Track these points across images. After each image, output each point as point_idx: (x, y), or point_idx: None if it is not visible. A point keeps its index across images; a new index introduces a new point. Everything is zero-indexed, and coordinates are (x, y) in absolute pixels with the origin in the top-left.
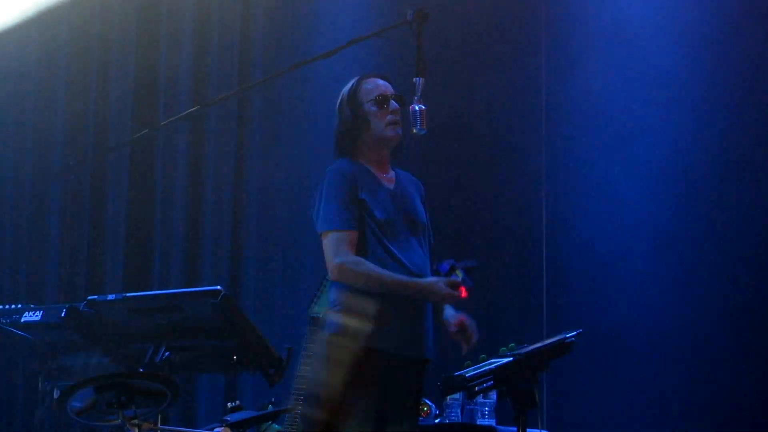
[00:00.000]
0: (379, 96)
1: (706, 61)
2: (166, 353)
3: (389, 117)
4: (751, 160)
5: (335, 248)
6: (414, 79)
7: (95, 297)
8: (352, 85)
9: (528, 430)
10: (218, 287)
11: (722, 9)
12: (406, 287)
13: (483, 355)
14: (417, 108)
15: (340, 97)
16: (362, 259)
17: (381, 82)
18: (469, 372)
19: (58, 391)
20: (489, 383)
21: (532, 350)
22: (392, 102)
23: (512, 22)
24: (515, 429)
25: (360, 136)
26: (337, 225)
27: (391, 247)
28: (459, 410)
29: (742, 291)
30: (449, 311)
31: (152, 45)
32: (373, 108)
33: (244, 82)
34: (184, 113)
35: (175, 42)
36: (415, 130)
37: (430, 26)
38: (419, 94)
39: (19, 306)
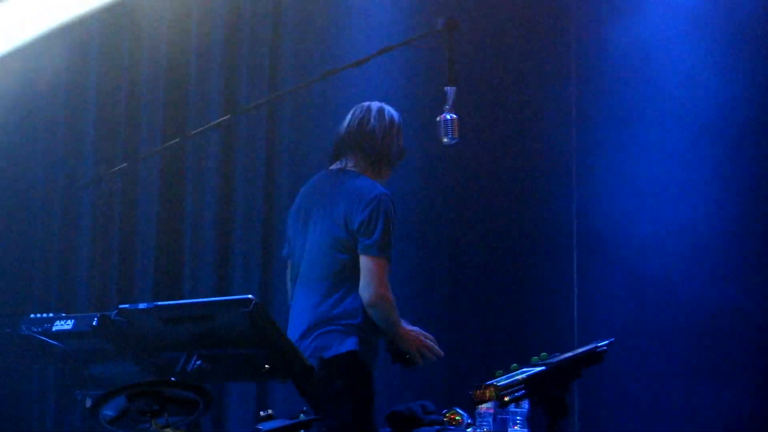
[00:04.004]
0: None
1: (742, 60)
2: (198, 362)
3: None
4: None
5: (384, 276)
6: (445, 88)
7: (126, 306)
8: (400, 120)
9: None
10: (249, 296)
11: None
12: (402, 331)
13: (515, 365)
14: (449, 117)
15: (390, 119)
16: None
17: None
18: (501, 381)
19: (90, 400)
20: (521, 392)
21: (564, 359)
22: None
23: (542, 29)
24: None
25: (385, 167)
26: (390, 255)
27: None
28: (491, 419)
29: None
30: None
31: (183, 53)
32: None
33: (274, 90)
34: (214, 122)
35: (205, 50)
36: (446, 140)
37: (461, 35)
38: (450, 103)
39: (51, 315)
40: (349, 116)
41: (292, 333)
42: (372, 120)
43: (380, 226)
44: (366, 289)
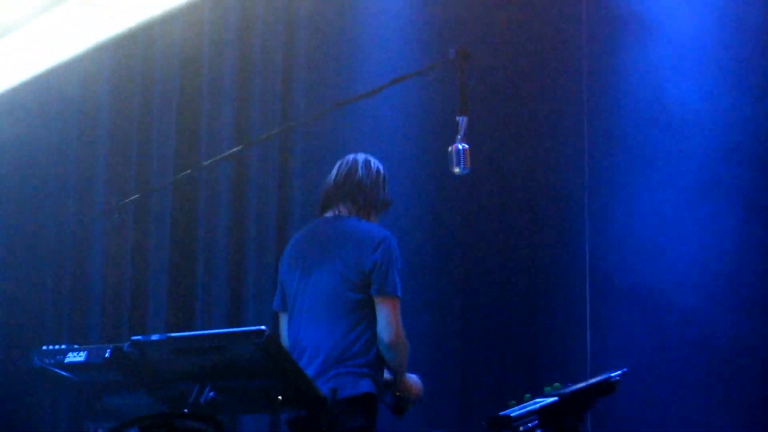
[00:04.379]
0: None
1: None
2: (211, 393)
3: None
4: None
5: (400, 317)
6: (457, 118)
7: (139, 337)
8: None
9: None
10: (262, 327)
11: None
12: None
13: (528, 395)
14: (460, 147)
15: (377, 170)
16: None
17: None
18: (515, 411)
19: None
20: (534, 422)
21: (577, 390)
22: None
23: (553, 59)
24: None
25: (373, 214)
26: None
27: None
28: None
29: None
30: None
31: (194, 84)
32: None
33: (286, 121)
34: (226, 153)
35: (217, 81)
36: (458, 170)
37: (473, 65)
38: (462, 133)
39: (63, 347)
40: (335, 169)
41: (306, 368)
42: (359, 170)
43: (392, 266)
44: (385, 330)
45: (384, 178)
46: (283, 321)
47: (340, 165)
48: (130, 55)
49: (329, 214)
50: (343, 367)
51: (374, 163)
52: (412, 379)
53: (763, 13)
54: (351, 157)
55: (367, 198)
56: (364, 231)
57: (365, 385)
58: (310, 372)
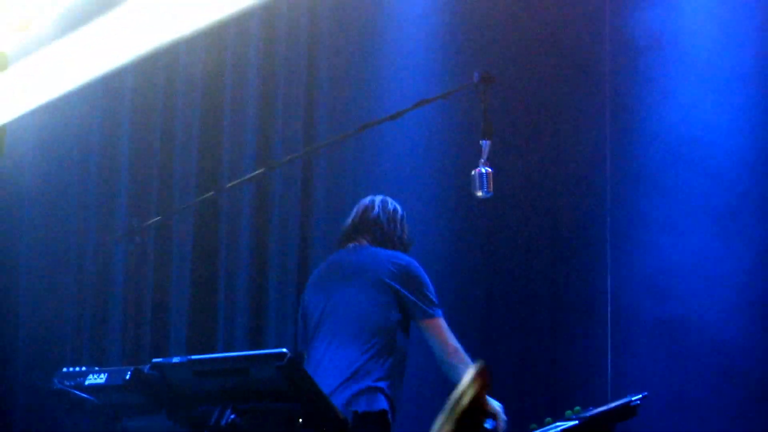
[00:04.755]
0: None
1: None
2: (232, 416)
3: None
4: None
5: (448, 333)
6: (480, 141)
7: (160, 360)
8: (403, 212)
9: None
10: (284, 350)
11: None
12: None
13: (548, 419)
14: (484, 171)
15: (394, 209)
16: None
17: None
18: None
19: None
20: None
21: (597, 413)
22: None
23: (576, 84)
24: None
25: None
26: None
27: None
28: None
29: None
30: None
31: (217, 107)
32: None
33: (309, 144)
34: (248, 176)
35: (239, 104)
36: (481, 194)
37: (496, 89)
38: (485, 156)
39: (84, 369)
40: (353, 210)
41: (324, 385)
42: (376, 208)
43: (425, 289)
44: (438, 350)
45: (402, 217)
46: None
47: (358, 206)
48: (153, 76)
49: (350, 245)
50: (363, 382)
51: (391, 203)
52: (493, 404)
53: None
54: (368, 198)
55: (385, 233)
56: (389, 254)
57: (381, 403)
58: (331, 384)
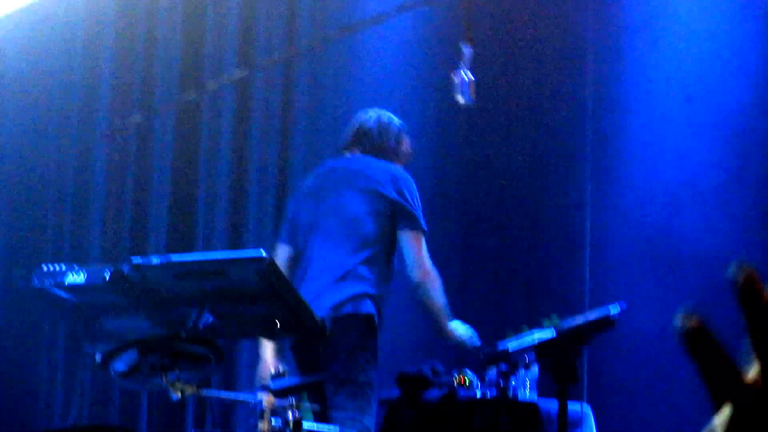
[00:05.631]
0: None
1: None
2: (209, 318)
3: None
4: None
5: (425, 248)
6: (461, 46)
7: (139, 260)
8: (401, 125)
9: (569, 403)
10: (262, 252)
11: None
12: (444, 319)
13: (524, 325)
14: (465, 77)
15: (389, 120)
16: None
17: None
18: (512, 344)
19: (101, 354)
20: (531, 357)
21: (575, 325)
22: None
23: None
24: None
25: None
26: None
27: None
28: (501, 382)
29: None
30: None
31: (199, 8)
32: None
33: (291, 46)
34: (230, 78)
35: (221, 4)
36: (462, 100)
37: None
38: (467, 62)
39: (63, 267)
40: (350, 122)
41: (312, 286)
42: (370, 121)
43: (416, 202)
44: (413, 268)
45: (398, 130)
46: (282, 253)
47: (354, 118)
48: None
49: (344, 155)
50: (347, 286)
51: (387, 116)
52: (458, 327)
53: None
54: (366, 111)
55: (375, 144)
56: (382, 164)
57: (368, 307)
58: (315, 289)
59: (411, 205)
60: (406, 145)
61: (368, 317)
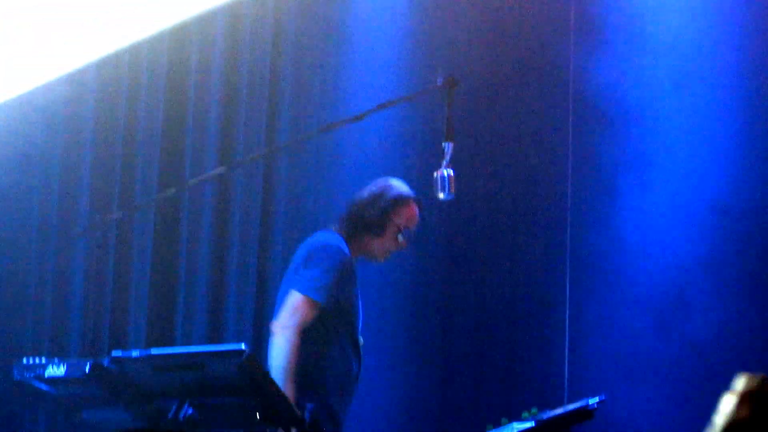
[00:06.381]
0: (407, 229)
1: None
2: (189, 410)
3: (396, 249)
4: None
5: (299, 315)
6: (443, 144)
7: (119, 353)
8: (399, 195)
9: None
10: (242, 345)
11: None
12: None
13: (504, 419)
14: (446, 174)
15: (382, 189)
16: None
17: (417, 213)
18: None
19: None
20: None
21: (554, 416)
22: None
23: (539, 78)
24: None
25: (365, 235)
26: (318, 298)
27: (355, 348)
28: None
29: None
30: None
31: (180, 105)
32: (397, 234)
33: (271, 143)
34: (210, 173)
35: (202, 103)
36: (442, 196)
37: (460, 92)
38: (448, 159)
39: (43, 360)
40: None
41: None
42: (364, 193)
43: (319, 269)
44: (282, 314)
45: (387, 200)
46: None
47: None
48: (116, 74)
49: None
50: None
51: (381, 187)
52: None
53: (751, 20)
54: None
55: (351, 217)
56: (321, 237)
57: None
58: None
59: (310, 272)
60: (399, 216)
61: None
